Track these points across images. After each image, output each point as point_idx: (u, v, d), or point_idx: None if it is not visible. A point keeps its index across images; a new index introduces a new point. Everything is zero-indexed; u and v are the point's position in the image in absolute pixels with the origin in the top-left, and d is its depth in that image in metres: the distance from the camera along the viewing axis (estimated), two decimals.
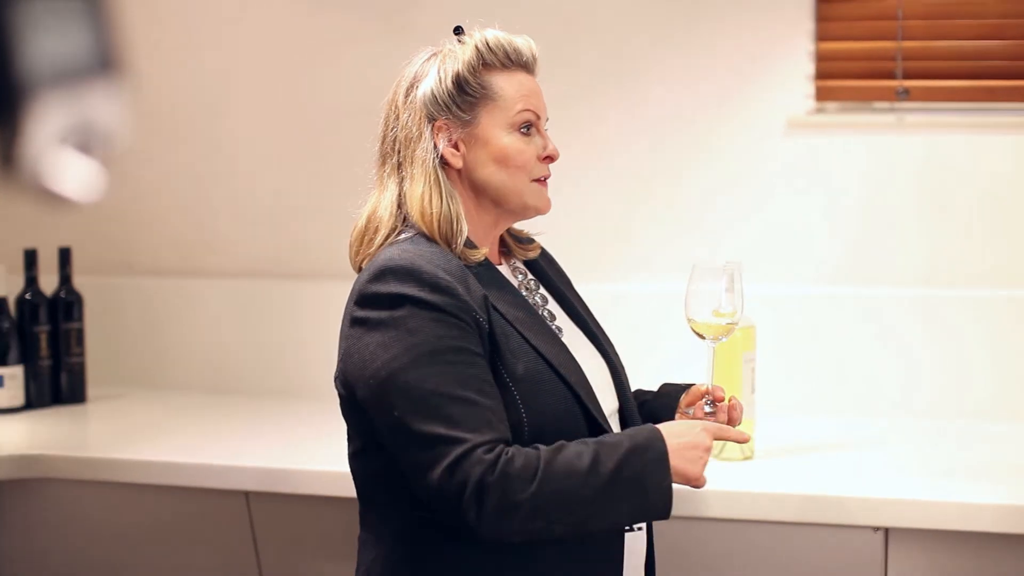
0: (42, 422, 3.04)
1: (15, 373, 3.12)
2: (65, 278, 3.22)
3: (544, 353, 1.87)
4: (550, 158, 1.96)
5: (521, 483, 1.72)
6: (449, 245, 1.88)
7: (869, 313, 2.93)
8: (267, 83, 3.31)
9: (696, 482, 1.85)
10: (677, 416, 2.03)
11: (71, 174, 0.63)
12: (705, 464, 1.85)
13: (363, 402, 1.82)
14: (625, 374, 2.06)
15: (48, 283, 3.22)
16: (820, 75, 2.95)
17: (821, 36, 2.94)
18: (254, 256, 3.33)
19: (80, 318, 3.23)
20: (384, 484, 1.87)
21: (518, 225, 2.07)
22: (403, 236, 1.89)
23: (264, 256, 3.32)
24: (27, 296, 3.18)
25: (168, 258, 3.40)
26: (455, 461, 1.72)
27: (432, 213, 1.88)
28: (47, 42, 0.62)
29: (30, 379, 3.15)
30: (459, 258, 1.87)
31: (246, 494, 2.64)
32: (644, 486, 1.79)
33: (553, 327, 1.98)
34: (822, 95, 2.95)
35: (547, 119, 1.99)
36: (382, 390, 1.78)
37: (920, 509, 2.30)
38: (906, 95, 2.90)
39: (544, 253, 2.12)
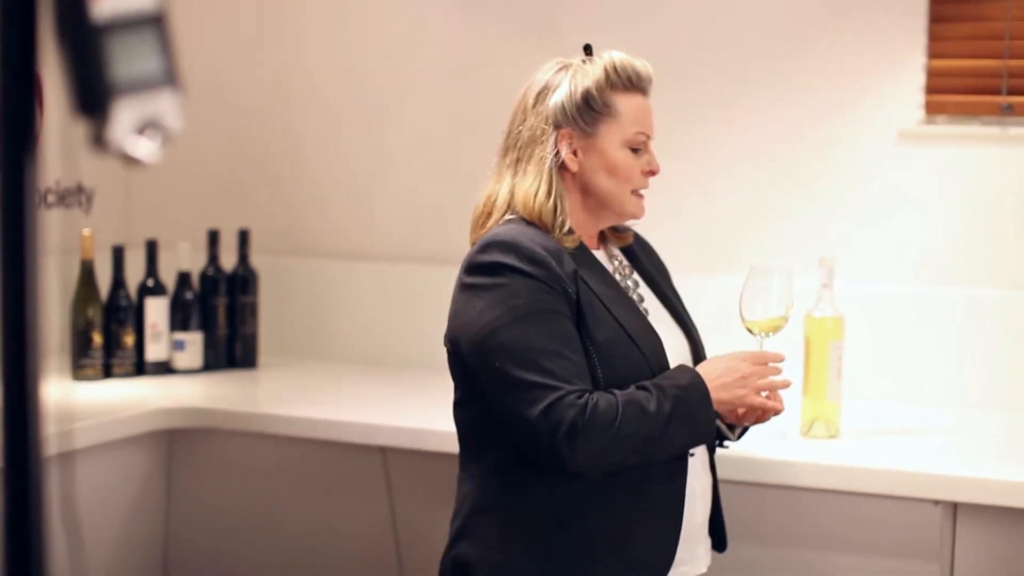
0: (216, 382, 3.42)
1: (195, 339, 3.51)
2: (243, 257, 3.60)
3: (624, 324, 2.15)
4: (652, 173, 2.23)
5: (605, 425, 2.02)
6: (550, 231, 2.17)
7: (962, 313, 3.13)
8: (427, 89, 3.65)
9: (741, 402, 2.14)
10: None
11: (141, 149, 0.96)
12: (752, 387, 2.14)
13: (468, 357, 2.12)
14: (704, 352, 2.33)
15: (228, 261, 3.61)
16: (930, 90, 3.16)
17: (932, 54, 3.15)
18: (408, 243, 3.68)
19: (255, 293, 3.61)
20: (480, 429, 2.17)
21: None
22: (509, 218, 2.20)
23: (416, 243, 3.66)
24: (209, 272, 3.56)
25: (334, 243, 3.77)
26: (551, 404, 2.02)
27: (536, 206, 2.17)
28: (129, 63, 0.95)
29: (208, 345, 3.54)
30: (557, 241, 2.17)
31: (383, 449, 2.97)
32: (694, 422, 2.09)
33: (640, 306, 2.26)
34: (932, 109, 3.16)
35: (653, 138, 2.25)
36: (486, 345, 2.08)
37: (984, 486, 2.50)
38: (1010, 110, 3.09)
39: (641, 242, 2.39)
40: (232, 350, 3.58)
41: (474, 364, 2.12)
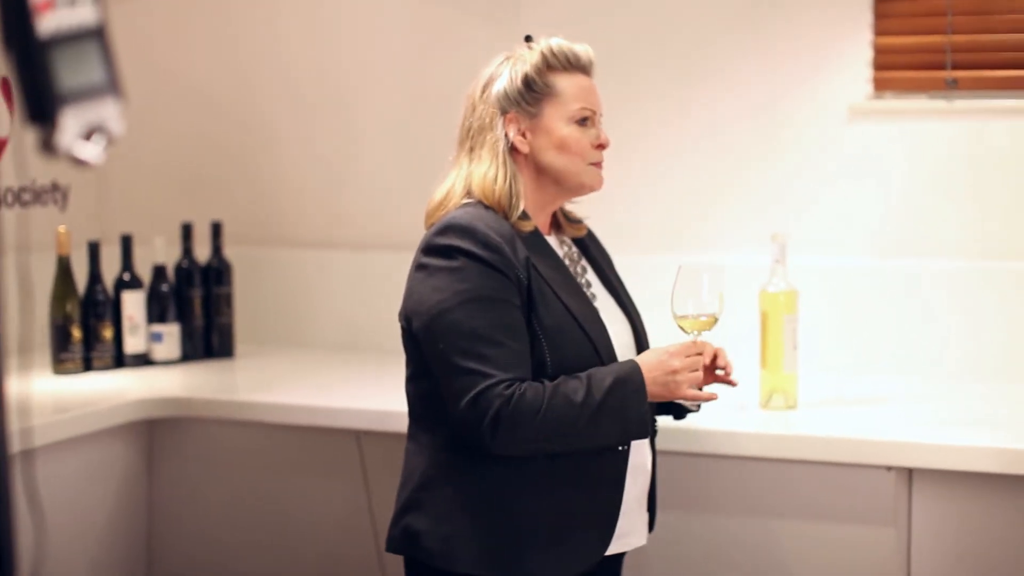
0: (194, 372, 3.50)
1: (172, 331, 3.59)
2: (217, 248, 3.68)
3: (572, 309, 2.24)
4: (602, 146, 2.33)
5: (528, 416, 2.12)
6: (506, 215, 2.27)
7: (915, 284, 3.23)
8: (393, 78, 3.73)
9: (673, 395, 2.22)
10: None
11: (87, 152, 1.05)
12: (683, 382, 2.21)
13: (417, 333, 2.22)
14: (646, 338, 2.42)
15: (202, 253, 3.69)
16: (878, 67, 3.25)
17: (878, 31, 3.24)
18: (377, 230, 3.76)
19: (229, 283, 3.69)
20: (430, 403, 2.26)
21: (573, 208, 2.45)
22: (467, 201, 2.29)
23: (385, 230, 3.75)
24: (183, 264, 3.64)
25: (305, 232, 3.86)
26: (480, 392, 2.12)
27: (495, 189, 2.26)
28: (73, 74, 1.04)
29: (186, 336, 3.62)
30: (512, 226, 2.25)
31: (357, 434, 3.06)
32: (625, 414, 2.18)
33: (588, 292, 2.35)
34: (879, 85, 3.26)
35: (601, 114, 2.35)
36: (433, 326, 2.18)
37: (938, 451, 2.59)
38: (955, 85, 3.19)
39: (590, 234, 2.49)
40: (209, 340, 3.67)
41: (423, 343, 2.22)
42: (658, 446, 2.71)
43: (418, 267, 2.25)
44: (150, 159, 3.94)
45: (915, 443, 2.62)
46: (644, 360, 2.23)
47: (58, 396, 3.22)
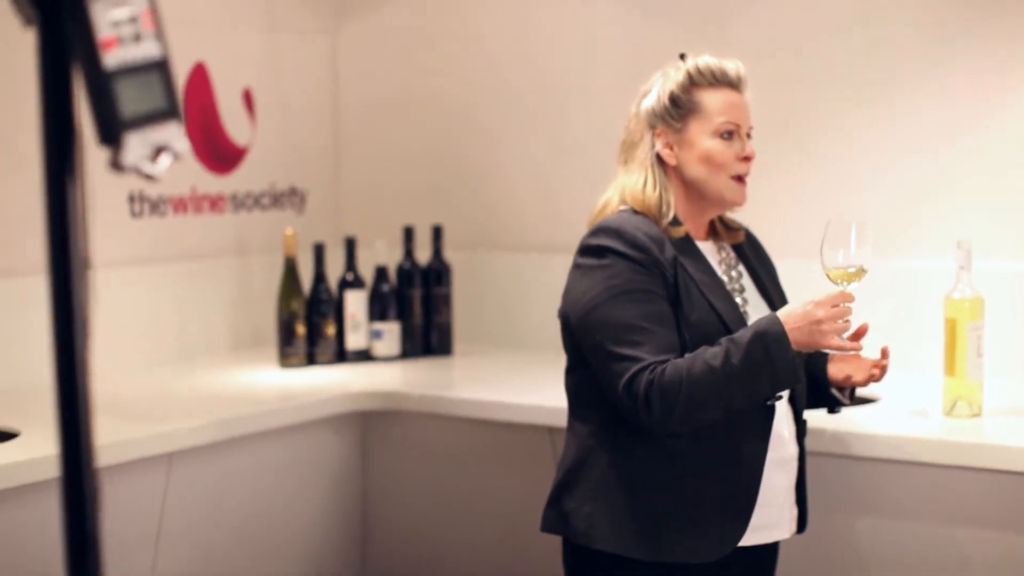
0: (411, 368, 3.68)
1: (392, 328, 3.79)
2: (437, 251, 3.86)
3: (718, 308, 2.35)
4: (747, 159, 2.42)
5: (672, 390, 2.23)
6: (656, 221, 2.38)
7: None
8: (609, 87, 3.83)
9: (818, 344, 2.26)
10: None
11: (153, 169, 1.20)
12: (828, 331, 2.24)
13: (575, 329, 2.38)
14: None
15: (423, 255, 3.88)
16: None
17: None
18: None
19: (449, 284, 3.86)
20: (584, 393, 2.42)
21: (733, 216, 2.55)
22: (622, 208, 2.43)
23: None
24: (405, 266, 3.83)
25: (523, 237, 3.99)
26: (632, 376, 2.25)
27: (644, 197, 2.41)
28: (137, 100, 1.19)
29: (406, 334, 3.81)
30: (662, 231, 2.37)
31: (549, 429, 3.17)
32: (773, 364, 2.23)
33: (740, 296, 2.44)
34: None
35: (751, 127, 2.44)
36: (587, 319, 2.33)
37: None
38: None
39: (752, 242, 2.58)
40: (428, 338, 3.84)
41: (580, 336, 2.37)
42: (835, 450, 2.75)
43: (574, 267, 2.41)
44: (376, 167, 4.14)
45: None
46: (788, 311, 2.28)
47: (281, 387, 3.45)
